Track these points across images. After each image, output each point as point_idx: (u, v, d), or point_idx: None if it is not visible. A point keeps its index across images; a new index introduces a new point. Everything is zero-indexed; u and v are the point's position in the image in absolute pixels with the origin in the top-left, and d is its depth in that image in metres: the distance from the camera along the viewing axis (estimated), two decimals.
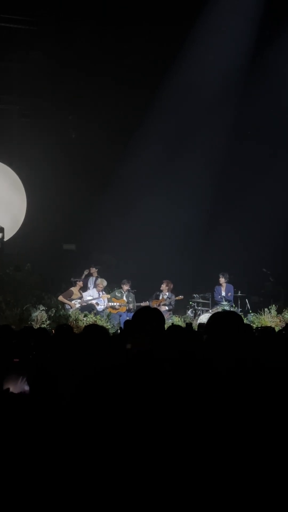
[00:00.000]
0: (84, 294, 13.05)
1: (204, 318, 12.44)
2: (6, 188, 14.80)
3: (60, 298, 12.82)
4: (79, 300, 12.86)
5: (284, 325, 9.91)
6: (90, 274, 13.66)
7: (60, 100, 13.98)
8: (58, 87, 13.49)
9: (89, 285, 13.50)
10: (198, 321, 12.26)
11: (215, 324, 2.55)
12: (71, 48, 12.57)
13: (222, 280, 13.27)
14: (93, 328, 3.76)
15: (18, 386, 2.97)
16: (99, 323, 11.02)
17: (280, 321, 11.61)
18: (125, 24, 12.05)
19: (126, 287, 13.31)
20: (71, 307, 12.61)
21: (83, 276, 13.61)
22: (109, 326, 11.48)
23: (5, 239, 13.69)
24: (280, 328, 7.85)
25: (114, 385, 2.36)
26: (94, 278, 13.61)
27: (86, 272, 13.69)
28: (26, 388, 2.93)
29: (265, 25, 12.29)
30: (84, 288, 13.34)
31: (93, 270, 13.68)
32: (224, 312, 2.77)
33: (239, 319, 2.58)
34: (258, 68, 12.99)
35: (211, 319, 2.59)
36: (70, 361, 3.43)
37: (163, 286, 13.39)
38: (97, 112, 14.10)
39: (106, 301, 13.09)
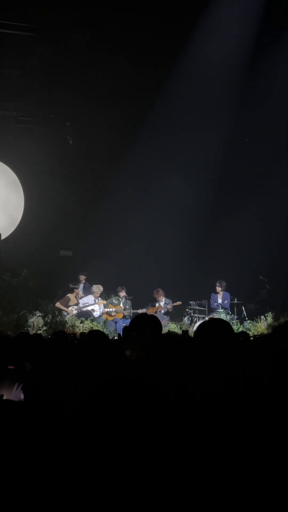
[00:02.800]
0: (80, 300, 13.05)
1: None
2: (3, 187, 14.76)
3: (57, 304, 12.82)
4: (76, 307, 12.86)
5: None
6: (79, 281, 13.66)
7: (58, 107, 14.00)
8: (56, 93, 13.50)
9: (80, 293, 13.48)
10: (195, 328, 12.25)
11: (203, 333, 2.55)
12: (69, 55, 12.59)
13: (219, 289, 13.29)
14: (94, 334, 3.76)
15: (13, 394, 2.95)
16: (96, 329, 10.99)
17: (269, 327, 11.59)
18: (123, 32, 12.08)
19: (122, 293, 13.31)
20: (68, 314, 12.61)
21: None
22: (106, 333, 11.45)
23: (2, 237, 13.68)
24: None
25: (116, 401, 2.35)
26: (82, 284, 13.61)
27: (80, 279, 13.71)
28: (22, 396, 2.92)
29: (266, 28, 12.32)
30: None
31: (82, 278, 13.68)
32: (212, 320, 2.75)
33: (227, 327, 2.57)
34: (259, 70, 13.03)
35: (199, 328, 2.59)
36: (67, 367, 3.42)
37: (158, 295, 13.39)
38: (95, 119, 14.12)
39: (102, 307, 13.07)
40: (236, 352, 2.48)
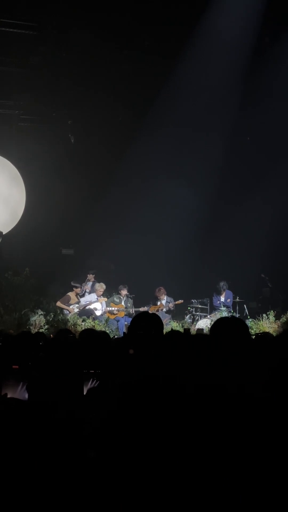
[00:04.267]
0: (81, 299, 13.06)
1: (202, 323, 12.45)
2: (5, 182, 14.69)
3: (58, 303, 12.81)
4: (77, 305, 12.86)
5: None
6: (87, 280, 13.69)
7: (60, 105, 14.00)
8: (58, 92, 13.50)
9: (87, 290, 13.52)
10: (196, 327, 12.27)
11: (220, 330, 2.55)
12: (71, 53, 12.58)
13: (223, 292, 13.31)
14: (91, 333, 3.75)
15: (18, 393, 2.95)
16: (97, 328, 11.01)
17: (278, 327, 11.61)
18: (125, 30, 12.06)
19: (124, 292, 13.32)
20: (70, 312, 12.60)
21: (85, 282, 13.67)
22: (108, 331, 11.47)
23: (4, 232, 13.66)
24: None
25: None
26: (91, 283, 13.62)
27: (89, 278, 13.74)
28: (26, 395, 2.92)
29: (265, 29, 12.33)
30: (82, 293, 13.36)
31: (90, 276, 13.69)
32: (230, 318, 2.75)
33: (245, 327, 2.58)
34: (261, 69, 13.01)
35: (216, 324, 2.59)
36: (66, 366, 3.42)
37: (159, 294, 13.40)
38: (97, 117, 14.11)
39: (104, 305, 13.08)
40: (251, 352, 2.48)
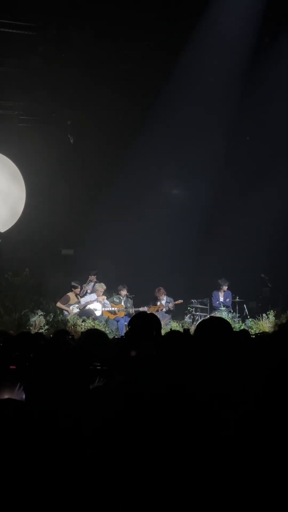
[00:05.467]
0: (82, 299, 13.04)
1: None
2: (5, 179, 14.62)
3: (58, 304, 12.78)
4: (76, 305, 12.84)
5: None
6: (89, 281, 13.69)
7: (60, 105, 13.99)
8: (57, 92, 13.49)
9: (88, 290, 13.51)
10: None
11: (202, 332, 2.55)
12: (70, 54, 12.57)
13: (225, 287, 13.32)
14: (93, 333, 3.75)
15: (15, 394, 2.95)
16: (97, 328, 10.99)
17: (273, 326, 11.61)
18: (125, 30, 12.05)
19: (123, 292, 13.31)
20: (69, 313, 12.58)
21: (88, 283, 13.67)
22: (108, 331, 11.46)
23: (4, 230, 13.63)
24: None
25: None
26: (92, 284, 13.62)
27: (90, 278, 13.73)
28: (23, 396, 2.91)
29: (265, 28, 12.33)
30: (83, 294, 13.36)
31: (92, 277, 13.69)
32: (212, 318, 2.75)
33: (227, 326, 2.57)
34: (261, 69, 13.01)
35: (198, 326, 2.59)
36: (67, 366, 3.41)
37: (159, 294, 13.40)
38: (96, 118, 14.11)
39: (103, 303, 13.05)
40: (235, 351, 2.47)
